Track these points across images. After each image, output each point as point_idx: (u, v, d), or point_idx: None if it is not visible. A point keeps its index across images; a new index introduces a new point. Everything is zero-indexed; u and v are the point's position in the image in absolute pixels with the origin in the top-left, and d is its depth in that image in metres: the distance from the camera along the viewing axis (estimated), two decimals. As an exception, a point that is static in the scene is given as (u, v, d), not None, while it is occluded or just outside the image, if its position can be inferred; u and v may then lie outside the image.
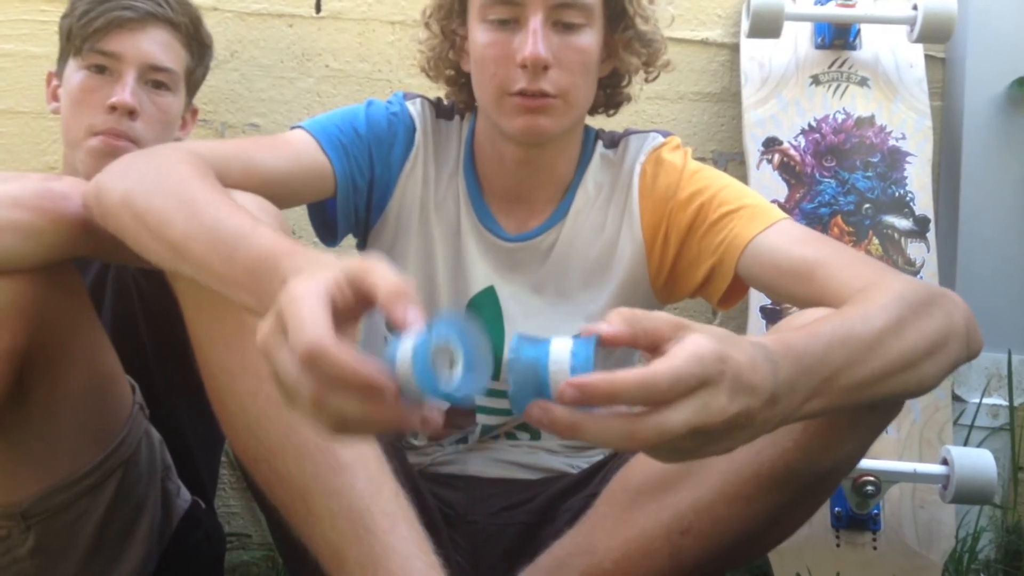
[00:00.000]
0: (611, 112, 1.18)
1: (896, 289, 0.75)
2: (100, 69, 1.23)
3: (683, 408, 0.54)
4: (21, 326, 0.82)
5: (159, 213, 0.73)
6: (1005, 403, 1.60)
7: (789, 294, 0.95)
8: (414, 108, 1.11)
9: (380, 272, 0.55)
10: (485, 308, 1.09)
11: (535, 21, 0.99)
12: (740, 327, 1.61)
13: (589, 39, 1.03)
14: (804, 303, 0.89)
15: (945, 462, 1.33)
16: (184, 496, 1.11)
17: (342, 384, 0.52)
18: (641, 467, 0.84)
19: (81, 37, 1.22)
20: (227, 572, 1.35)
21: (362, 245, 1.17)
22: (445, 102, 1.15)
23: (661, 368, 0.54)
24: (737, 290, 1.03)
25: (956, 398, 1.58)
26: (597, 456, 1.14)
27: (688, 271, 1.06)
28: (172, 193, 0.75)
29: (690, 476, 0.80)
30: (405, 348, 0.53)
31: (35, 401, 0.89)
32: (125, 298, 1.17)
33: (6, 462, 0.91)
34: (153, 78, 1.25)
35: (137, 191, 0.76)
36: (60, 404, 0.91)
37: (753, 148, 1.58)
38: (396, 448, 1.04)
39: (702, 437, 0.55)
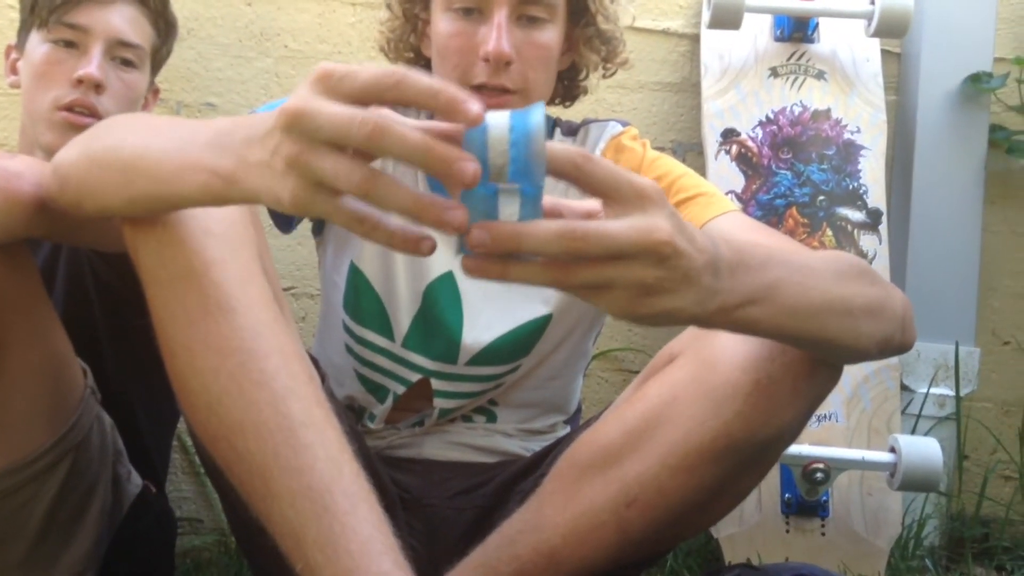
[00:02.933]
0: (567, 104, 1.18)
1: (842, 257, 0.77)
2: (67, 43, 1.21)
3: (628, 226, 0.54)
4: None
5: (113, 143, 0.71)
6: (951, 393, 1.64)
7: None
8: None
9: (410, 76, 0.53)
10: (443, 293, 1.09)
11: (500, 15, 0.99)
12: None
13: (552, 34, 1.04)
14: None
15: (893, 450, 1.36)
16: (135, 480, 1.10)
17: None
18: (588, 443, 0.85)
19: (48, 9, 1.19)
20: (178, 556, 1.33)
21: (318, 228, 1.16)
22: None
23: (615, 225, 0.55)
24: None
25: (904, 388, 1.61)
26: (552, 441, 1.15)
27: None
28: (125, 124, 0.74)
29: (635, 450, 0.81)
30: (498, 122, 0.51)
31: None
32: (78, 279, 1.15)
33: (-45, 444, 0.89)
34: (120, 54, 1.23)
35: (91, 140, 0.75)
36: (10, 387, 0.89)
37: (711, 139, 1.60)
38: (355, 431, 1.04)
39: (642, 274, 0.55)
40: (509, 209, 0.53)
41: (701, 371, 0.80)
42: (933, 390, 1.63)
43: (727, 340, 0.79)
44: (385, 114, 0.51)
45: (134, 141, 0.69)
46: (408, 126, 0.51)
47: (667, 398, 0.81)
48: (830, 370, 0.81)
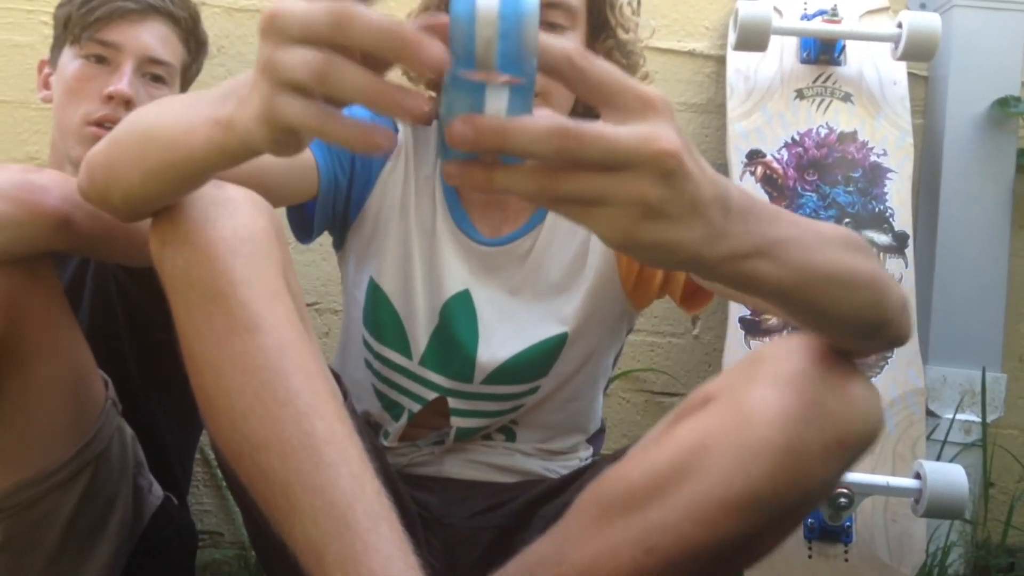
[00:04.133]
0: (589, 119, 1.18)
1: (847, 230, 0.74)
2: (98, 59, 1.22)
3: (629, 131, 0.48)
4: None
5: (131, 121, 0.73)
6: (978, 419, 1.62)
7: (728, 294, 0.95)
8: None
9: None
10: (460, 311, 1.09)
11: None
12: (719, 337, 1.62)
13: (571, 41, 1.04)
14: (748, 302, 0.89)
15: (918, 476, 1.35)
16: (156, 492, 1.10)
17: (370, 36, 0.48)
18: (614, 481, 0.84)
19: (80, 26, 1.21)
20: (198, 570, 1.33)
21: (339, 243, 1.17)
22: None
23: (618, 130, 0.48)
24: (699, 291, 1.04)
25: (930, 413, 1.59)
26: (573, 461, 1.15)
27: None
28: (146, 107, 0.75)
29: (659, 496, 0.80)
30: (487, 6, 0.46)
31: (7, 395, 0.88)
32: (104, 294, 1.15)
33: (-23, 455, 0.89)
34: (150, 71, 1.24)
35: (116, 128, 0.76)
36: (32, 398, 0.90)
37: (737, 160, 1.59)
38: (377, 448, 1.04)
39: (643, 189, 0.49)
40: (496, 104, 0.47)
41: (735, 423, 0.77)
42: (959, 416, 1.61)
43: (765, 392, 0.76)
44: (351, 3, 0.48)
45: (149, 115, 0.70)
46: (377, 13, 0.48)
47: (697, 446, 0.79)
48: (863, 438, 0.79)
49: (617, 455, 0.92)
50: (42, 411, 0.91)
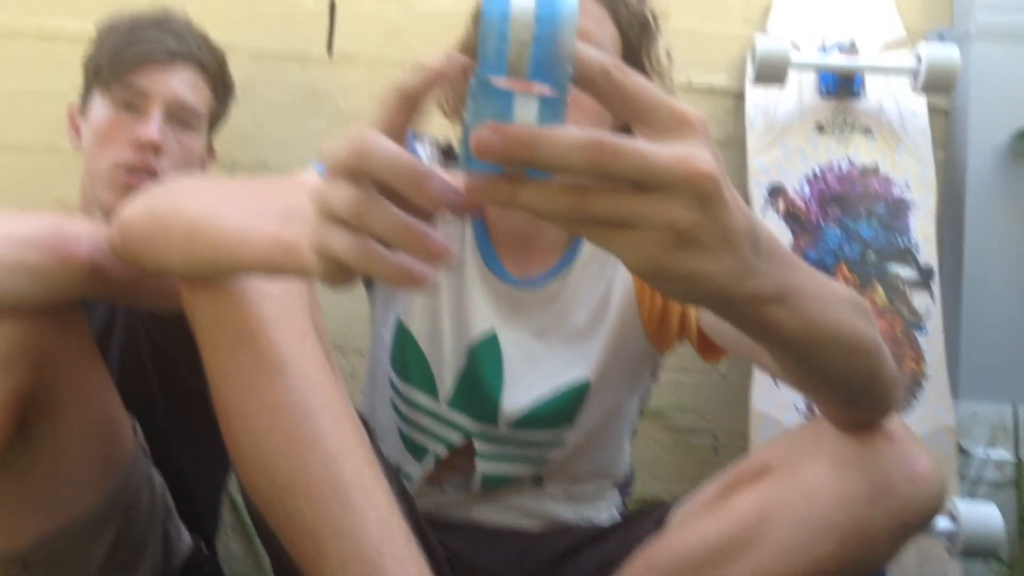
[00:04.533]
0: None
1: (851, 291, 0.72)
2: (128, 105, 1.24)
3: (667, 150, 0.45)
4: (27, 368, 0.81)
5: (179, 206, 0.72)
6: (1011, 456, 1.59)
7: (737, 350, 0.91)
8: (423, 149, 1.12)
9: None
10: (486, 353, 1.08)
11: None
12: (746, 375, 1.60)
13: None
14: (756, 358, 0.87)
15: (951, 516, 1.33)
16: (185, 539, 1.10)
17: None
18: (669, 550, 0.83)
19: (110, 73, 1.23)
20: (225, 615, 1.33)
21: (369, 283, 1.17)
22: (452, 144, 1.16)
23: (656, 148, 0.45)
24: (714, 344, 1.02)
25: (961, 451, 1.57)
26: (601, 505, 1.14)
27: (671, 310, 1.07)
28: (192, 189, 0.76)
29: (719, 566, 0.79)
30: (522, 7, 0.43)
31: (37, 443, 0.88)
32: (133, 341, 1.16)
33: (7, 505, 0.89)
34: (179, 116, 1.26)
35: (157, 200, 0.76)
36: (62, 447, 0.90)
37: (758, 195, 1.59)
38: (404, 492, 1.04)
39: (677, 214, 0.45)
40: (526, 113, 0.44)
41: (796, 498, 0.77)
42: (991, 453, 1.59)
43: (829, 469, 0.76)
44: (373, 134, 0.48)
45: (200, 207, 0.70)
46: (393, 146, 0.47)
47: (756, 518, 0.79)
48: (926, 516, 0.78)
49: (658, 514, 0.91)
50: (72, 459, 0.91)
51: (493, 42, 0.43)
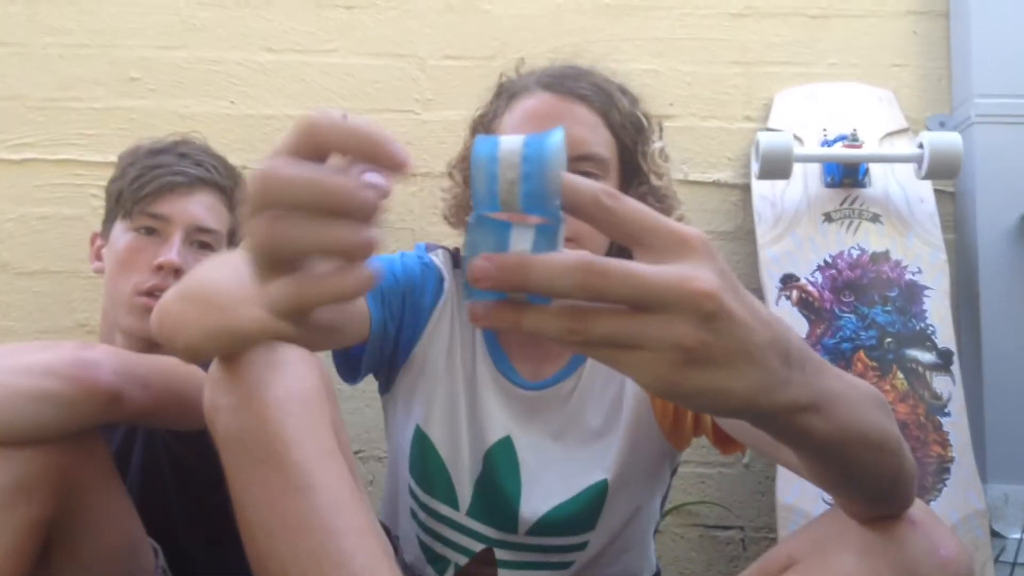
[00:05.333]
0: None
1: (872, 387, 0.73)
2: (148, 230, 1.27)
3: (661, 269, 0.45)
4: (48, 496, 0.82)
5: (197, 277, 0.73)
6: (1047, 538, 1.55)
7: (756, 446, 0.90)
8: (437, 258, 1.14)
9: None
10: (502, 458, 1.08)
11: None
12: (770, 465, 1.58)
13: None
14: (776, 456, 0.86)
15: (990, 605, 1.29)
16: (207, 659, 1.09)
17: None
18: None
19: (132, 200, 1.26)
20: None
21: (385, 387, 1.17)
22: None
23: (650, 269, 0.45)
24: (730, 438, 1.01)
25: (995, 534, 1.53)
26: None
27: (684, 409, 1.05)
28: (214, 260, 0.76)
29: None
30: (510, 146, 0.44)
31: (57, 569, 0.88)
32: (153, 457, 1.17)
33: (29, 631, 0.89)
34: (199, 239, 1.28)
35: (187, 277, 0.77)
36: (84, 571, 0.90)
37: (771, 285, 1.60)
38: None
39: (680, 333, 0.45)
40: (521, 244, 0.45)
41: None
42: (1027, 536, 1.55)
43: (851, 559, 0.75)
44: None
45: (210, 274, 0.71)
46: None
47: None
48: None
49: None
50: (93, 583, 0.91)
51: (484, 182, 0.45)
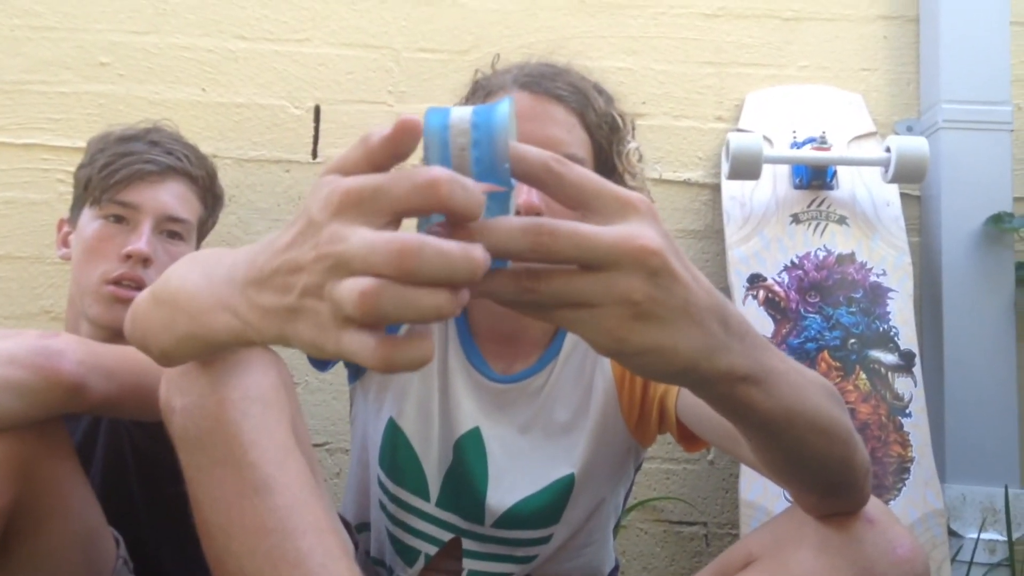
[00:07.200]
0: None
1: (825, 379, 0.72)
2: (117, 219, 1.25)
3: (607, 229, 0.47)
4: (9, 484, 0.81)
5: (167, 278, 0.71)
6: (1002, 538, 1.58)
7: (719, 443, 0.92)
8: None
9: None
10: (470, 449, 1.08)
11: None
12: (734, 462, 1.60)
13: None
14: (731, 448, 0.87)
15: (945, 602, 1.31)
16: (168, 651, 1.08)
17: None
18: None
19: (101, 188, 1.24)
20: None
21: (354, 376, 1.17)
22: None
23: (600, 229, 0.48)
24: (694, 435, 1.02)
25: (952, 534, 1.56)
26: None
27: (650, 403, 1.07)
28: (184, 261, 0.73)
29: None
30: (459, 117, 0.46)
31: (19, 558, 0.87)
32: (117, 448, 1.16)
33: (-11, 620, 0.88)
34: (168, 228, 1.27)
35: (160, 279, 0.74)
36: (44, 560, 0.89)
37: (738, 284, 1.62)
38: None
39: (628, 286, 0.47)
40: None
41: None
42: (983, 535, 1.58)
43: (808, 555, 0.76)
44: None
45: (179, 277, 0.69)
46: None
47: None
48: None
49: None
50: (53, 572, 0.91)
51: (436, 149, 0.47)
